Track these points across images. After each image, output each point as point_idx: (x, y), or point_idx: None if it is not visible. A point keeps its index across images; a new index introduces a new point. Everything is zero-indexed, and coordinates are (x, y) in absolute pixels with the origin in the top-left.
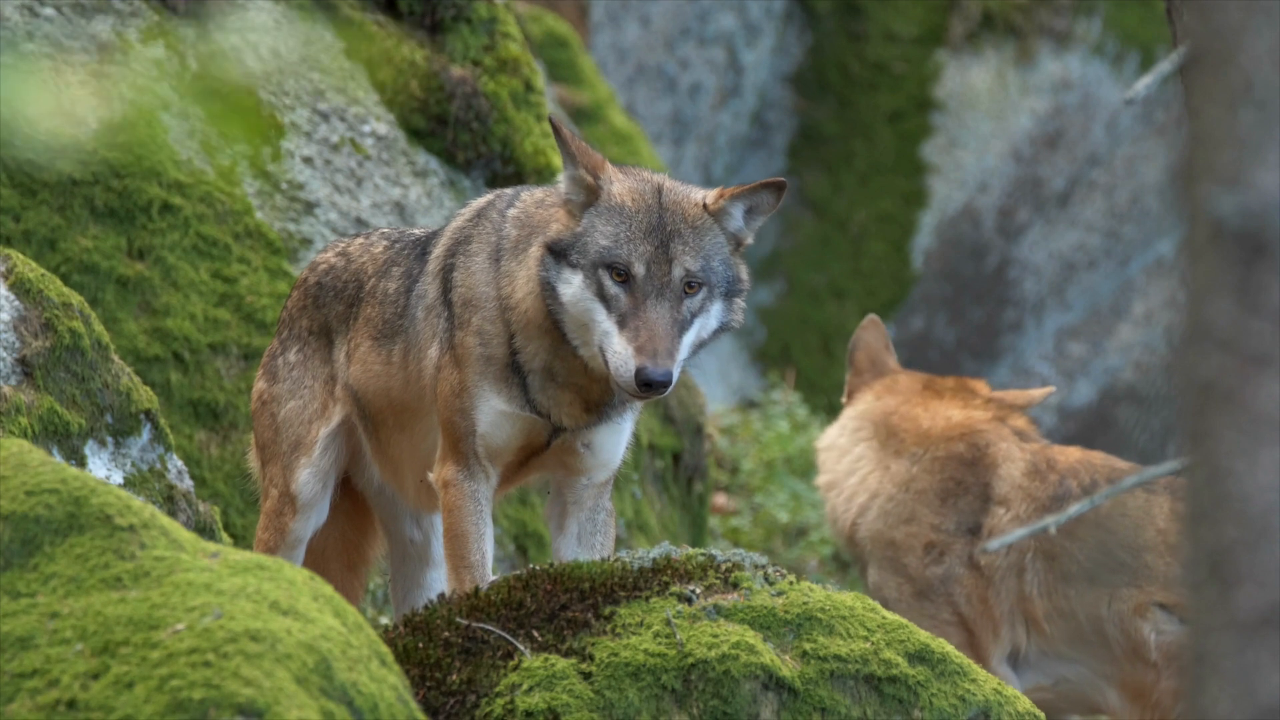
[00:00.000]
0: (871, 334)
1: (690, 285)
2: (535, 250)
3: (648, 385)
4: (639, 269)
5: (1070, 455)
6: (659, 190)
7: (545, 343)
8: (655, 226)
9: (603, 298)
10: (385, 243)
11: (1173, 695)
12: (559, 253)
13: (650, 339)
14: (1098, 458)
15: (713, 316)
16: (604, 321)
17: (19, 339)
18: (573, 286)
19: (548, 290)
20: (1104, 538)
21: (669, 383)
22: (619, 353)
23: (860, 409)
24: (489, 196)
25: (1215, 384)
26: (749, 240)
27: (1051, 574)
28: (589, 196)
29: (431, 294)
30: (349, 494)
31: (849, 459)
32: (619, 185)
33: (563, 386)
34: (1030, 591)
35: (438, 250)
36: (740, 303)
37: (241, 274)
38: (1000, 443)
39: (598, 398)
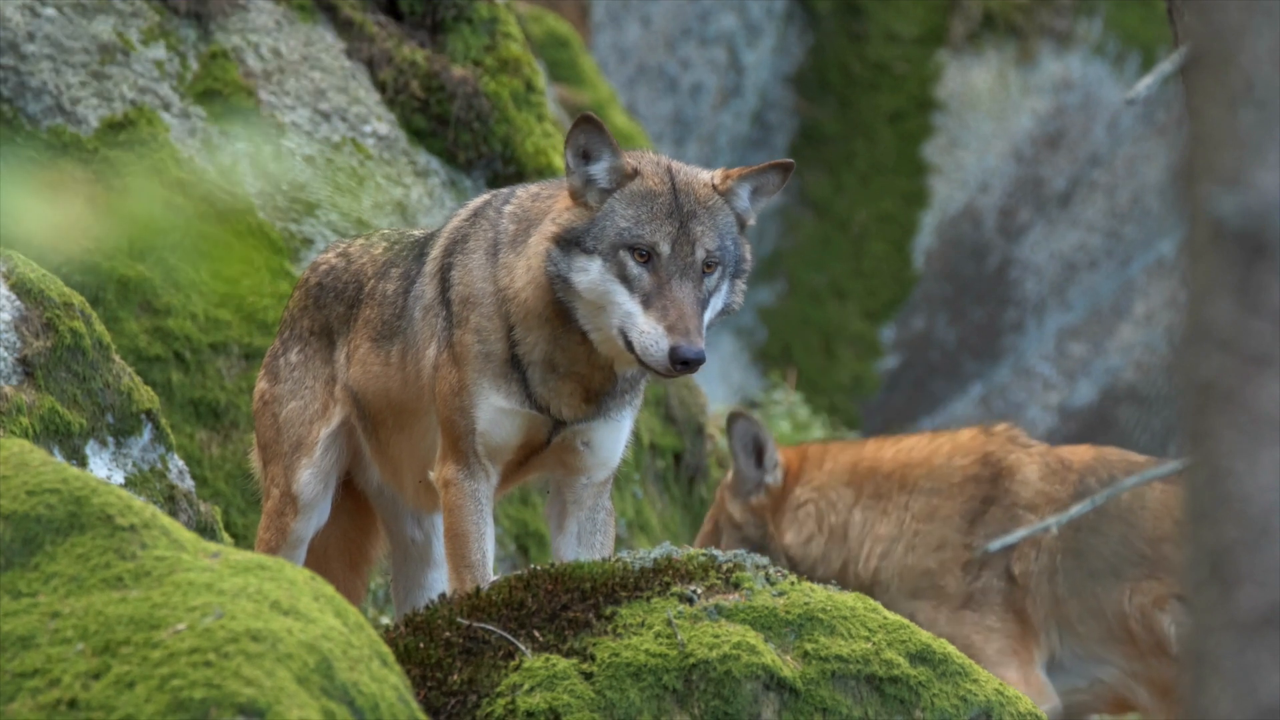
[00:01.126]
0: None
1: (708, 265)
2: (540, 244)
3: (684, 363)
4: (664, 248)
5: (1083, 454)
6: (670, 171)
7: (546, 332)
8: (674, 207)
9: (624, 279)
10: (385, 244)
11: None
12: (570, 242)
13: (680, 318)
14: (1113, 453)
15: (722, 296)
16: (626, 303)
17: (20, 339)
18: (590, 273)
19: (558, 282)
20: (1125, 531)
21: (704, 360)
22: (647, 332)
23: (816, 487)
24: (485, 196)
25: (1215, 384)
26: (751, 221)
27: (1080, 572)
28: (621, 183)
29: (429, 294)
30: (351, 494)
31: (854, 530)
32: (641, 168)
33: (564, 377)
34: (1062, 593)
35: (435, 251)
36: (741, 284)
37: (243, 274)
38: (1009, 454)
39: (598, 387)
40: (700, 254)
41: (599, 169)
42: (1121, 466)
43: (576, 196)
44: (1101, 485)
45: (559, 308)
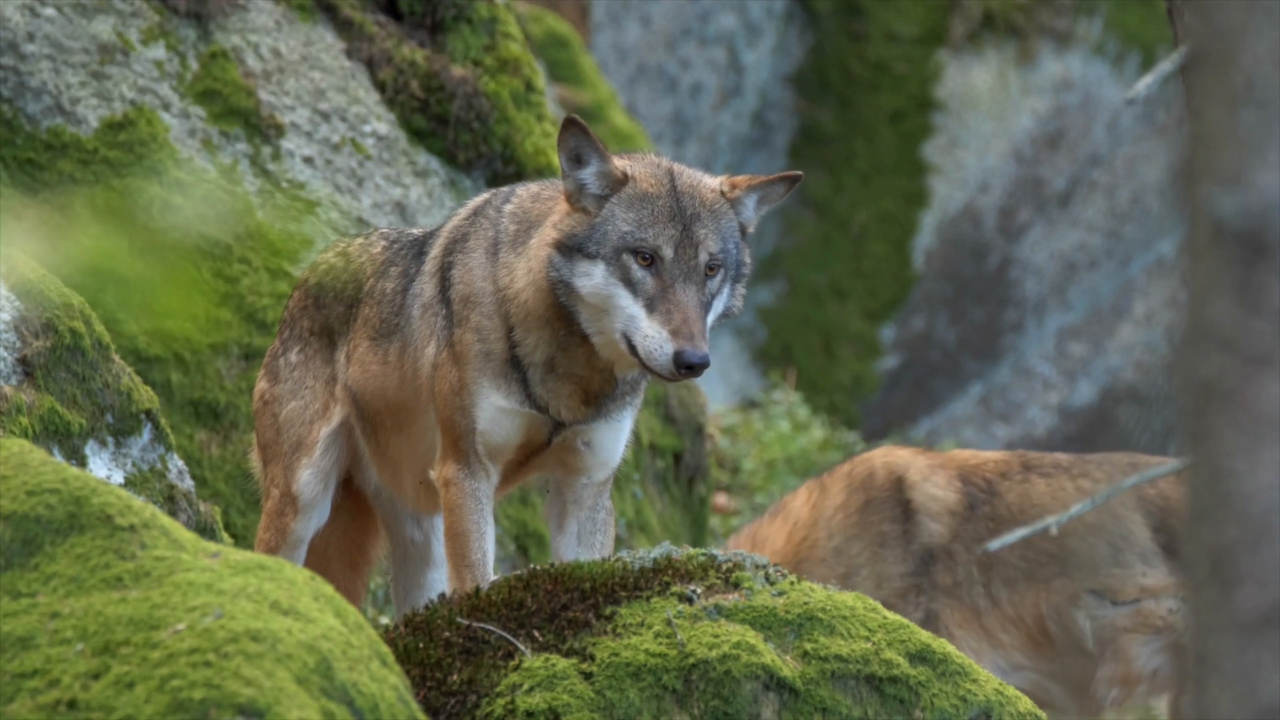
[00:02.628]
0: None
1: (711, 268)
2: (541, 249)
3: (688, 368)
4: (667, 251)
5: (951, 460)
6: (671, 174)
7: (546, 334)
8: (677, 210)
9: (628, 283)
10: (384, 243)
11: (1107, 683)
12: (572, 247)
13: (685, 322)
14: (967, 457)
15: (723, 300)
16: (629, 306)
17: (20, 339)
18: (594, 278)
19: (560, 287)
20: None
21: (708, 364)
22: (651, 336)
23: None
24: (485, 195)
25: (1216, 384)
26: (751, 229)
27: (996, 583)
28: (614, 188)
29: (428, 292)
30: (351, 494)
31: None
32: (637, 171)
33: (563, 378)
34: (983, 605)
35: (435, 250)
36: (741, 288)
37: (242, 274)
38: (889, 461)
39: (598, 389)
40: (703, 257)
41: (588, 174)
42: (993, 469)
43: (572, 201)
44: (981, 492)
45: (560, 310)
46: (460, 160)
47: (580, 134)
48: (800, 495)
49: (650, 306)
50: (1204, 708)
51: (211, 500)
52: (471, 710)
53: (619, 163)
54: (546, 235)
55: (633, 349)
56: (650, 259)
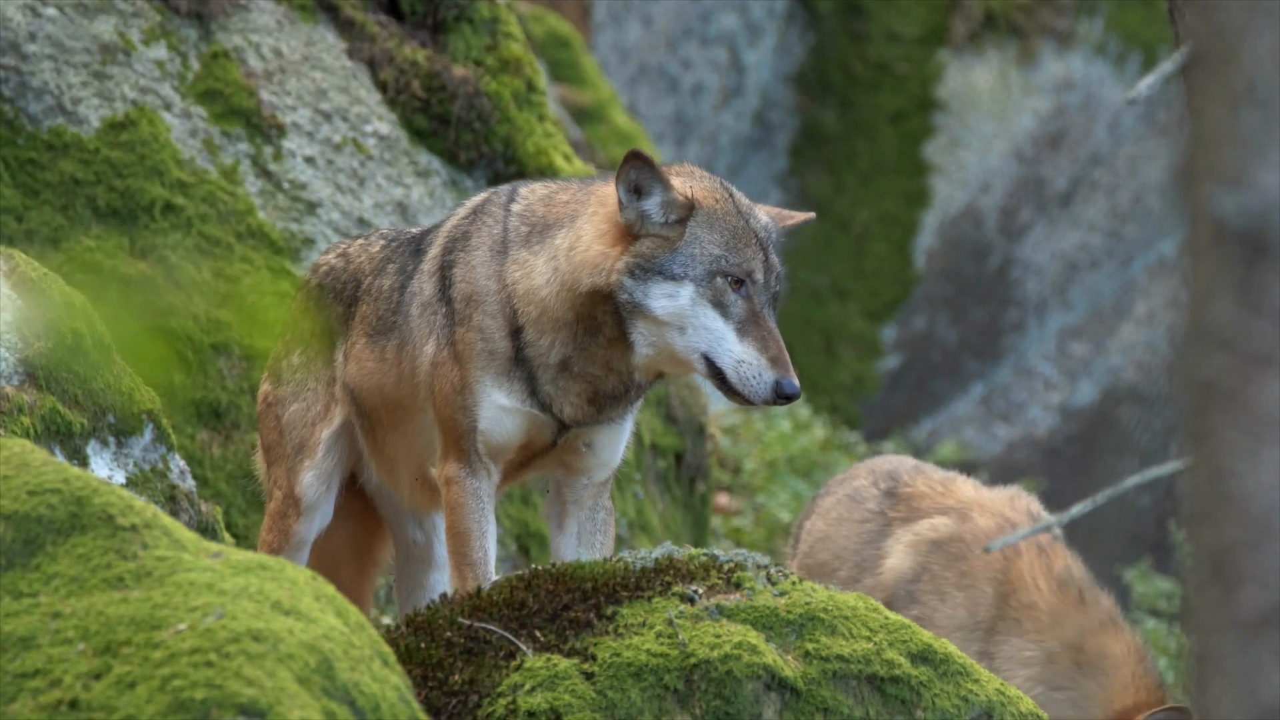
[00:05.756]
0: None
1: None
2: (609, 274)
3: (786, 398)
4: (759, 276)
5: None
6: (731, 195)
7: (564, 335)
8: (754, 233)
9: (719, 305)
10: (382, 242)
11: None
12: (651, 270)
13: (780, 350)
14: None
15: None
16: (719, 328)
17: (21, 339)
18: (679, 298)
19: (628, 307)
20: None
21: (800, 395)
22: (748, 363)
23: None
24: (484, 194)
25: (1216, 384)
26: None
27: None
28: (683, 213)
29: (428, 290)
30: (357, 495)
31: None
32: (701, 193)
33: (575, 377)
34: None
35: (434, 249)
36: None
37: (244, 274)
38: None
39: (609, 390)
40: (779, 284)
41: (651, 204)
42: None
43: (633, 229)
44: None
45: (582, 313)
46: (462, 160)
47: (642, 167)
48: (1113, 639)
49: (742, 331)
50: (1204, 708)
51: (213, 500)
52: (473, 710)
53: (680, 186)
54: (617, 264)
55: (717, 370)
56: (741, 283)
